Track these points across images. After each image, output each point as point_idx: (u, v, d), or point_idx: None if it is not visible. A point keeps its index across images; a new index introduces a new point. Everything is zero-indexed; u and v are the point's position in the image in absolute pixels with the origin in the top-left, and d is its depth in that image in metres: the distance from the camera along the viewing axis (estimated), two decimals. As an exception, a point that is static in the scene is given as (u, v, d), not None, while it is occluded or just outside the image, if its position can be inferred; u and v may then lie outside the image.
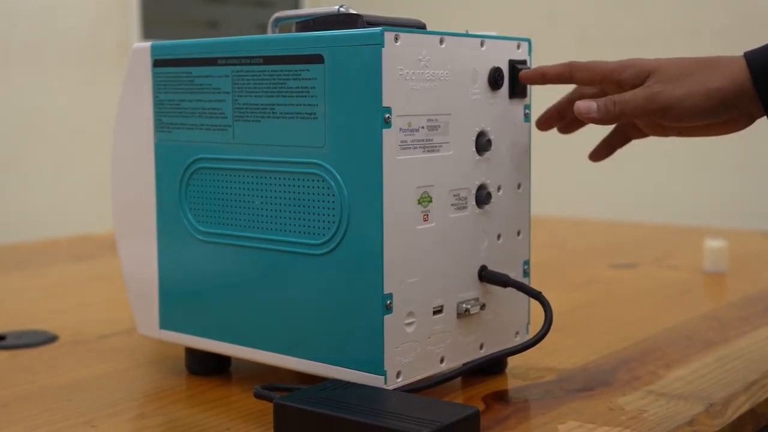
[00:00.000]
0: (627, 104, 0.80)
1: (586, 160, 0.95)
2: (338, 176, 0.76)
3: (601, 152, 0.92)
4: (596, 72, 0.84)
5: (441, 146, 0.78)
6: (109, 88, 3.28)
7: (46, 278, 1.40)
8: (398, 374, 0.76)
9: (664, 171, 3.03)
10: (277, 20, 0.88)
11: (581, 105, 0.82)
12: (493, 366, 0.88)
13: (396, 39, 0.74)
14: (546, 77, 0.84)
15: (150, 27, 3.42)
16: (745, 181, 2.51)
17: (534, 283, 0.88)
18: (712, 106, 0.79)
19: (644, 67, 0.81)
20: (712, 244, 1.36)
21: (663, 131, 0.87)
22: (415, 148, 0.76)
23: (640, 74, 0.81)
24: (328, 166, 0.76)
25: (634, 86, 0.81)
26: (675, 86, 0.79)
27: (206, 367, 0.89)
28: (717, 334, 1.02)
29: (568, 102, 0.90)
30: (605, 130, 0.89)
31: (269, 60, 0.79)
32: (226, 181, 0.83)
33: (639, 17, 3.17)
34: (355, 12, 0.79)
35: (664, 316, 1.11)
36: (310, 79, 0.77)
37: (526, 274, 0.89)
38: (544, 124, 0.89)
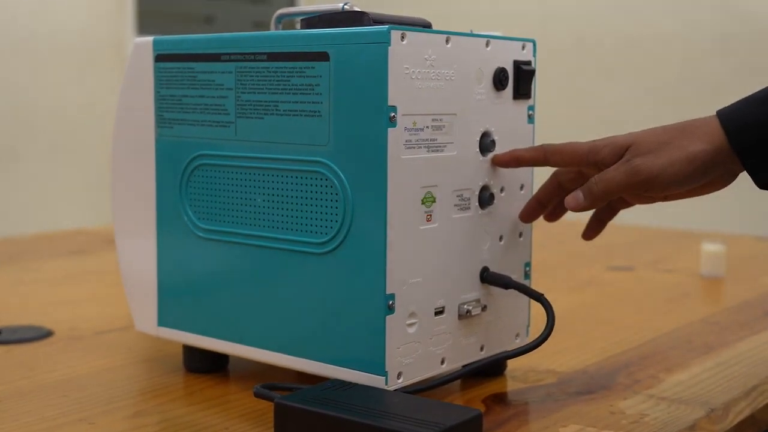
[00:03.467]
0: (610, 182, 0.79)
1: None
2: (342, 175, 0.75)
3: (592, 230, 0.90)
4: (572, 155, 0.83)
5: (445, 146, 0.78)
6: (104, 83, 3.28)
7: (41, 273, 1.39)
8: (399, 375, 0.75)
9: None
10: (281, 17, 0.88)
11: (569, 200, 0.81)
12: (493, 368, 0.87)
13: (402, 38, 0.73)
14: (521, 161, 0.83)
15: (145, 22, 3.41)
16: (743, 186, 2.51)
17: (532, 285, 0.88)
18: (695, 170, 0.78)
19: (620, 143, 0.81)
20: (710, 248, 1.36)
21: (649, 199, 0.85)
22: (419, 147, 0.76)
23: (617, 151, 0.80)
24: (331, 165, 0.76)
25: (612, 164, 0.80)
26: (655, 157, 0.78)
27: (204, 365, 0.88)
28: (716, 338, 1.02)
29: (546, 191, 0.87)
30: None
31: (274, 57, 0.79)
32: (228, 178, 0.83)
33: (638, 19, 3.18)
34: (360, 9, 0.79)
35: (663, 319, 1.11)
36: (315, 76, 0.76)
37: (527, 276, 0.88)
38: (527, 216, 0.87)
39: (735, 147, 0.77)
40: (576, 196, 0.81)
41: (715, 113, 0.80)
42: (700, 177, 0.79)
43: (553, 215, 0.89)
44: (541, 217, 0.89)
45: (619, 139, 0.81)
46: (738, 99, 0.79)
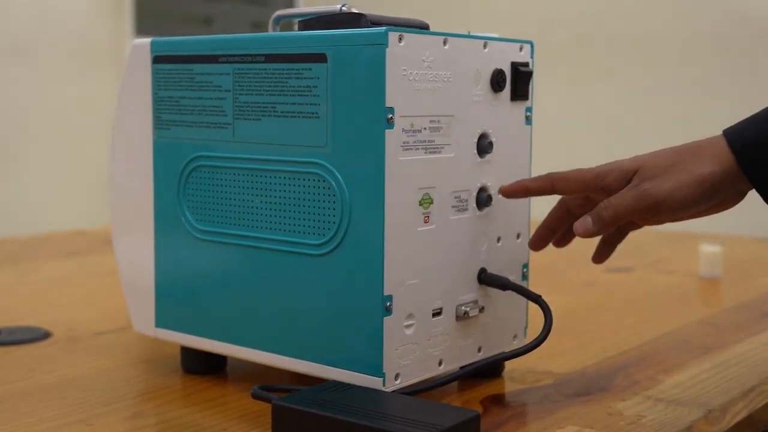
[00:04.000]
0: (618, 207, 0.79)
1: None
2: (339, 176, 0.75)
3: (602, 254, 0.90)
4: (579, 182, 0.82)
5: (443, 148, 0.78)
6: (102, 84, 3.28)
7: (40, 274, 1.39)
8: (397, 376, 0.75)
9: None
10: (279, 18, 0.88)
11: (578, 226, 0.81)
12: (490, 369, 0.87)
13: (400, 39, 0.73)
14: (529, 191, 0.83)
15: (143, 23, 3.41)
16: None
17: (530, 286, 0.88)
18: (704, 193, 0.78)
19: (627, 167, 0.80)
20: (708, 249, 1.36)
21: (658, 222, 0.85)
22: (417, 149, 0.76)
23: (624, 176, 0.80)
24: (329, 166, 0.76)
25: (620, 189, 0.80)
26: (662, 180, 0.78)
27: (202, 366, 0.88)
28: (714, 339, 1.02)
29: (555, 218, 0.87)
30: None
31: (272, 58, 0.79)
32: (226, 180, 0.83)
33: (637, 19, 3.18)
34: (357, 11, 0.79)
35: (661, 321, 1.11)
36: (312, 78, 0.76)
37: (524, 277, 0.88)
38: (537, 244, 0.87)
39: (743, 167, 0.77)
40: (585, 222, 0.80)
41: (721, 132, 0.79)
42: (708, 199, 0.79)
43: (562, 241, 0.89)
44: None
45: (626, 163, 0.81)
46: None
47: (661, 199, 0.78)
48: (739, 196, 0.82)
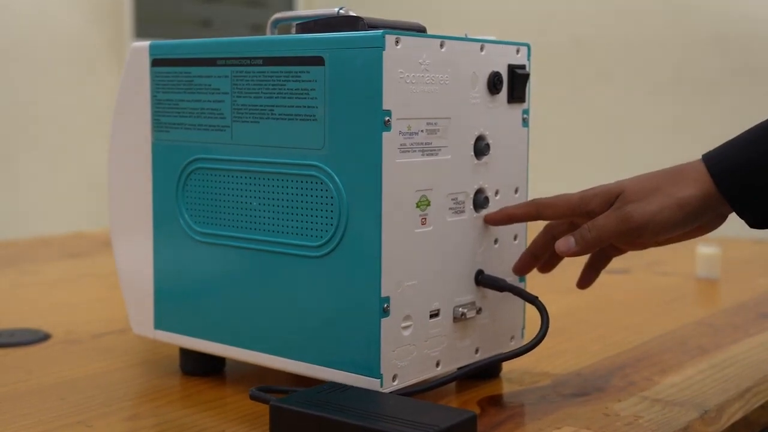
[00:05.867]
0: (602, 229, 0.80)
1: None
2: (337, 178, 0.75)
3: (587, 278, 0.91)
4: (564, 208, 0.83)
5: (440, 150, 0.78)
6: (101, 86, 3.28)
7: (39, 276, 1.40)
8: (394, 377, 0.76)
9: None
10: (277, 21, 0.88)
11: (560, 244, 0.82)
12: (488, 370, 0.88)
13: (397, 42, 0.74)
14: (514, 218, 0.84)
15: (143, 25, 3.41)
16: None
17: (527, 288, 0.88)
18: (685, 216, 0.79)
19: (610, 191, 0.81)
20: (705, 250, 1.37)
21: (641, 245, 0.86)
22: (414, 151, 0.76)
23: (607, 199, 0.81)
24: (326, 168, 0.76)
25: (603, 212, 0.81)
26: (645, 203, 0.79)
27: (200, 367, 0.89)
28: (710, 340, 1.03)
29: (540, 245, 0.88)
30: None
31: (269, 61, 0.79)
32: (224, 182, 0.83)
33: (634, 21, 3.18)
34: (355, 14, 0.79)
35: (658, 322, 1.12)
36: (310, 80, 0.77)
37: (521, 278, 0.89)
38: (521, 270, 0.87)
39: (723, 191, 0.78)
40: (568, 241, 0.81)
41: (701, 157, 0.80)
42: (691, 222, 0.80)
43: (547, 266, 0.90)
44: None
45: (609, 187, 0.82)
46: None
47: (644, 222, 0.79)
48: (721, 219, 0.83)
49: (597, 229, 0.80)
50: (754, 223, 0.79)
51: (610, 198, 0.81)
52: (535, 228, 0.88)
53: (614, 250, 0.89)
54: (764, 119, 0.79)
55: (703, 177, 0.79)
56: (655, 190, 0.79)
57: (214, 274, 0.84)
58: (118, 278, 0.92)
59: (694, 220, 0.80)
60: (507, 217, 0.84)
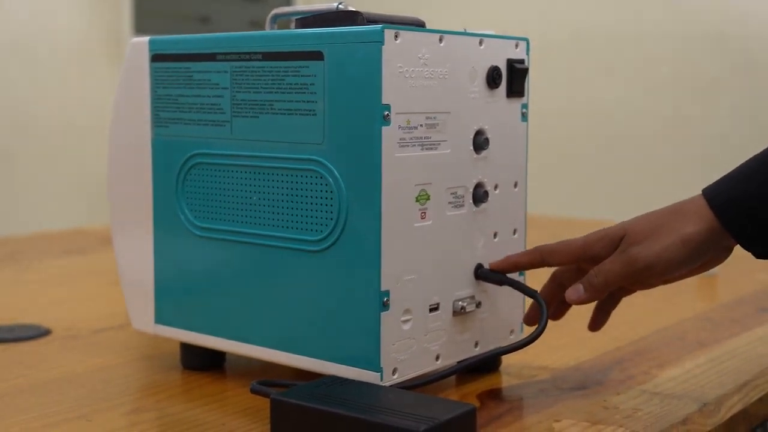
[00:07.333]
0: (609, 274, 0.80)
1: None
2: (336, 173, 0.76)
3: (598, 321, 0.90)
4: (568, 253, 0.83)
5: (439, 144, 0.79)
6: (101, 82, 3.28)
7: (39, 272, 1.40)
8: (394, 371, 0.76)
9: (659, 172, 3.04)
10: (276, 17, 0.88)
11: (570, 294, 0.82)
12: (487, 364, 0.88)
13: (396, 37, 0.74)
14: (519, 266, 0.84)
15: (142, 21, 3.41)
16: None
17: (527, 282, 0.89)
18: (690, 253, 0.79)
19: (613, 234, 0.81)
20: (704, 245, 1.37)
21: (649, 285, 0.86)
22: (413, 145, 0.76)
23: (611, 243, 0.81)
24: (326, 163, 0.76)
25: (608, 256, 0.81)
26: (650, 243, 0.79)
27: (201, 362, 0.89)
28: (709, 334, 1.03)
29: (547, 293, 0.88)
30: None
31: (269, 56, 0.79)
32: (224, 177, 0.83)
33: (633, 16, 3.18)
34: (354, 9, 0.79)
35: (657, 316, 1.12)
36: (309, 75, 0.77)
37: (521, 273, 0.89)
38: (532, 320, 0.88)
39: (725, 224, 0.78)
40: (577, 289, 0.81)
41: (700, 192, 0.80)
42: (696, 258, 0.80)
43: (557, 314, 0.90)
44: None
45: (612, 230, 0.82)
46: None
47: (650, 263, 0.79)
48: (726, 252, 0.83)
49: (604, 274, 0.80)
50: (762, 253, 0.79)
51: (613, 241, 0.81)
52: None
53: (623, 292, 0.88)
54: (759, 150, 0.79)
55: (704, 211, 0.79)
56: (658, 229, 0.79)
57: (215, 269, 0.85)
58: (119, 273, 0.93)
59: (700, 256, 0.80)
60: (512, 266, 0.84)
